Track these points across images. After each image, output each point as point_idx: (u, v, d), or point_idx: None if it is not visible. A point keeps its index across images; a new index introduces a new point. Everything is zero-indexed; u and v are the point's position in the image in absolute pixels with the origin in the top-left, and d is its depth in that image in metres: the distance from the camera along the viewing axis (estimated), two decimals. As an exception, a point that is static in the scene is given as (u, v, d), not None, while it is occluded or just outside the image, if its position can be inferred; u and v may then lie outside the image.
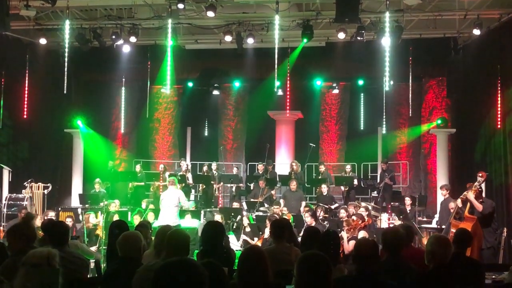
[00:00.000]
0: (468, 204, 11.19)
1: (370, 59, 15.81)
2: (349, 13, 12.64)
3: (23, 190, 15.20)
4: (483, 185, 11.85)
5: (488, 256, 11.14)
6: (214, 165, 17.84)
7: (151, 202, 15.04)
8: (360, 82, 19.32)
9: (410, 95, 17.14)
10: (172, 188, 13.15)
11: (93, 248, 11.17)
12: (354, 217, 10.93)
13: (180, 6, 13.30)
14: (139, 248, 5.53)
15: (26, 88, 16.42)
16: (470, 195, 11.15)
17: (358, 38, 14.33)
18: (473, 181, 11.55)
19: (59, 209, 15.37)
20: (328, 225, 12.71)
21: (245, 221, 13.05)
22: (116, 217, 13.60)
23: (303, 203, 15.00)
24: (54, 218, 11.92)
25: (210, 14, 13.51)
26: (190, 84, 20.25)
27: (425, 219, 14.84)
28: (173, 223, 11.16)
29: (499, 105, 14.21)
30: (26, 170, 16.59)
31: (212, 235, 6.16)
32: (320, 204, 14.80)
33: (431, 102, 18.62)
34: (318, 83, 19.64)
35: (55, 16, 15.26)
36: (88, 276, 6.60)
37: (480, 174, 11.46)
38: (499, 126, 14.18)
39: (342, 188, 16.75)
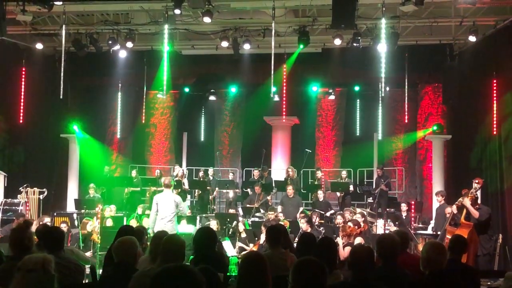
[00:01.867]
0: (464, 211, 11.20)
1: (366, 65, 15.83)
2: (345, 19, 12.66)
3: (18, 195, 15.17)
4: (478, 192, 11.86)
5: (484, 263, 11.16)
6: (210, 171, 17.85)
7: (147, 208, 14.98)
8: (356, 88, 19.36)
9: (406, 101, 17.17)
10: (168, 191, 11.59)
11: (88, 254, 11.15)
12: (350, 223, 10.91)
13: (177, 11, 13.28)
14: (135, 253, 5.53)
15: (22, 93, 16.42)
16: (467, 201, 11.15)
17: (354, 44, 14.34)
18: (469, 187, 11.56)
19: (55, 214, 15.32)
20: (324, 231, 12.71)
21: (241, 227, 13.03)
22: (109, 222, 13.58)
23: (301, 209, 14.99)
24: (49, 223, 11.88)
25: (207, 19, 13.51)
26: (187, 90, 20.29)
27: (420, 225, 14.85)
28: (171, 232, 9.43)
29: (494, 112, 14.25)
30: (21, 175, 16.55)
31: (204, 242, 6.14)
32: (316, 210, 14.80)
33: (427, 108, 18.66)
34: (314, 89, 19.69)
35: (52, 21, 15.26)
36: (84, 281, 6.58)
37: (477, 181, 11.45)
38: (494, 133, 14.21)
39: (338, 194, 16.74)
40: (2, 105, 16.23)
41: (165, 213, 11.29)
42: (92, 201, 15.40)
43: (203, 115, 21.69)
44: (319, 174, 17.15)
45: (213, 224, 12.83)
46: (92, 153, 18.48)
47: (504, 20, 13.68)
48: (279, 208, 14.66)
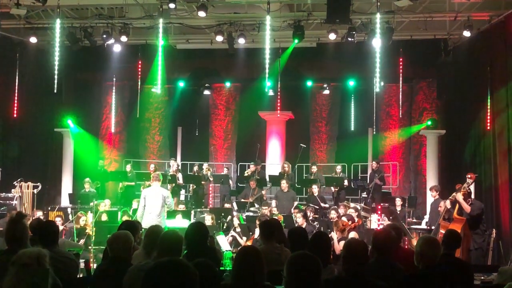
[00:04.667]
0: (457, 205, 11.25)
1: (360, 60, 15.84)
2: (340, 14, 12.69)
3: (12, 190, 15.14)
4: (472, 187, 11.91)
5: (476, 257, 11.20)
6: (205, 165, 17.79)
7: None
8: (351, 83, 19.36)
9: (400, 96, 17.18)
10: (156, 184, 11.61)
11: (80, 242, 11.22)
12: (344, 218, 10.95)
13: (172, 5, 13.29)
14: (129, 248, 5.53)
15: (16, 87, 16.37)
16: (459, 196, 11.20)
17: (349, 39, 14.36)
18: (463, 182, 11.60)
19: (49, 208, 15.31)
20: (318, 225, 12.74)
21: (236, 222, 13.05)
22: (104, 217, 13.58)
23: (295, 203, 15.01)
24: (42, 217, 11.88)
25: (201, 14, 13.50)
26: (181, 84, 20.24)
27: (414, 220, 14.89)
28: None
29: (488, 107, 14.28)
30: (16, 169, 16.51)
31: (195, 236, 6.14)
32: (310, 204, 14.81)
33: (421, 103, 18.70)
34: (309, 83, 19.70)
35: (46, 15, 15.20)
36: (78, 276, 6.58)
37: (469, 176, 11.50)
38: (488, 128, 14.25)
39: (333, 188, 16.76)
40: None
41: (153, 208, 11.29)
42: (87, 196, 15.41)
43: (197, 110, 21.66)
44: (314, 168, 17.16)
45: (208, 219, 12.83)
46: (86, 148, 18.45)
47: (498, 15, 13.70)
48: (274, 202, 14.69)
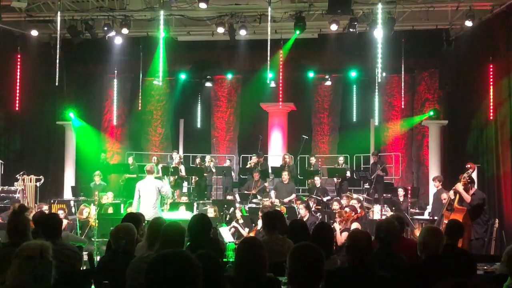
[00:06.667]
0: (457, 195, 11.27)
1: (362, 51, 15.80)
2: (342, 4, 12.67)
3: (15, 183, 15.15)
4: (475, 176, 11.89)
5: (477, 247, 11.23)
6: (208, 157, 17.80)
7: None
8: (353, 74, 19.34)
9: (402, 87, 17.16)
10: (150, 177, 11.58)
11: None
12: (346, 209, 10.95)
13: (172, -3, 13.27)
14: (132, 240, 5.54)
15: (18, 80, 16.36)
16: (459, 186, 11.22)
17: (351, 29, 14.31)
18: (465, 172, 11.60)
19: (51, 201, 15.33)
20: (320, 216, 12.75)
21: (238, 213, 13.06)
22: (110, 210, 13.61)
23: (293, 195, 15.03)
24: (46, 211, 11.89)
25: (203, 5, 13.46)
26: (183, 76, 20.25)
27: (417, 210, 14.89)
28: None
29: (491, 97, 14.26)
30: (18, 163, 16.53)
31: (198, 228, 6.15)
32: (313, 196, 14.83)
33: (424, 94, 18.65)
34: (311, 75, 19.68)
35: (47, 8, 15.18)
36: (81, 268, 6.60)
37: (469, 165, 11.52)
38: (491, 118, 14.23)
39: (335, 180, 16.78)
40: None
41: (148, 200, 11.29)
42: (89, 188, 15.45)
43: (199, 102, 21.68)
44: (313, 160, 17.18)
45: (211, 211, 12.84)
46: (88, 140, 18.47)
47: (500, 4, 13.64)
48: (272, 193, 14.70)
